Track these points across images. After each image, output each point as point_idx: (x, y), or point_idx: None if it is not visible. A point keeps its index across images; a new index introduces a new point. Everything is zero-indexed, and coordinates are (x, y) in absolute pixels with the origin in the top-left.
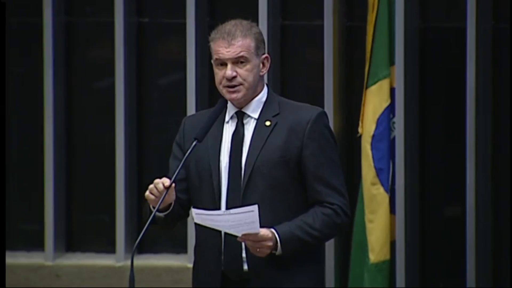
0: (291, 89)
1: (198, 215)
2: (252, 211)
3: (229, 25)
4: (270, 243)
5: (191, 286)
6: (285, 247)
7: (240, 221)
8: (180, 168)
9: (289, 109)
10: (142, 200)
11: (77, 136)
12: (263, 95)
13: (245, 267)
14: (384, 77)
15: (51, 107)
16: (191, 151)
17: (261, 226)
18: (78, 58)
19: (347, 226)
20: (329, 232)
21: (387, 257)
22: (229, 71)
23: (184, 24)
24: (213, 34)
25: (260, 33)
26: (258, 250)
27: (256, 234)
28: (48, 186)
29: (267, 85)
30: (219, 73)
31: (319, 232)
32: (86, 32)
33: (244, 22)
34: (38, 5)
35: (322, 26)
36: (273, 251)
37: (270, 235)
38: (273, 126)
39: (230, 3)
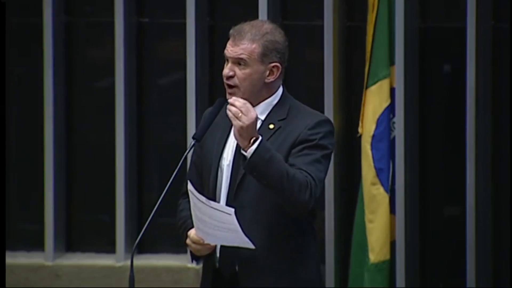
0: (291, 89)
1: (191, 193)
2: (229, 214)
3: (247, 25)
4: (252, 120)
5: (191, 286)
6: (258, 152)
7: (220, 221)
8: (178, 169)
9: (296, 115)
10: (142, 200)
11: (77, 136)
12: (274, 98)
13: (238, 266)
14: (384, 77)
15: (51, 107)
16: (189, 151)
17: (248, 228)
18: (78, 58)
19: (305, 207)
20: (295, 189)
21: (387, 257)
22: (226, 69)
23: (184, 24)
24: (231, 30)
25: (275, 41)
26: (239, 115)
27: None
28: (48, 186)
29: (283, 87)
30: (224, 68)
31: (289, 178)
32: (86, 32)
33: (265, 26)
34: (38, 5)
35: (322, 26)
36: (244, 151)
37: (254, 119)
38: (275, 130)
39: (230, 3)
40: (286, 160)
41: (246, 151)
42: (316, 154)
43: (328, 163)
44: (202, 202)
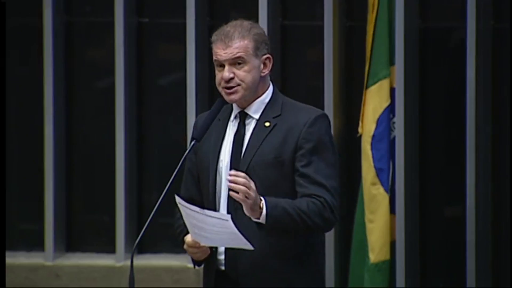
0: (291, 89)
1: (181, 206)
2: (226, 220)
3: (229, 27)
4: (255, 190)
5: (191, 286)
6: (270, 214)
7: (219, 227)
8: (178, 169)
9: (290, 111)
10: (142, 200)
11: (77, 136)
12: (266, 96)
13: (242, 267)
14: (384, 77)
15: (51, 107)
16: (189, 151)
17: (251, 229)
18: (78, 58)
19: (333, 224)
20: (316, 220)
21: (387, 257)
22: (226, 72)
23: (184, 24)
24: (213, 36)
25: (261, 34)
26: (249, 193)
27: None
28: (48, 186)
29: (273, 84)
30: (218, 74)
31: (305, 215)
32: (86, 32)
33: (245, 23)
34: (38, 5)
35: (322, 26)
36: (257, 219)
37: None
38: (272, 127)
39: (230, 3)
40: (291, 162)
41: (259, 219)
42: (324, 159)
43: (336, 159)
44: (196, 212)
